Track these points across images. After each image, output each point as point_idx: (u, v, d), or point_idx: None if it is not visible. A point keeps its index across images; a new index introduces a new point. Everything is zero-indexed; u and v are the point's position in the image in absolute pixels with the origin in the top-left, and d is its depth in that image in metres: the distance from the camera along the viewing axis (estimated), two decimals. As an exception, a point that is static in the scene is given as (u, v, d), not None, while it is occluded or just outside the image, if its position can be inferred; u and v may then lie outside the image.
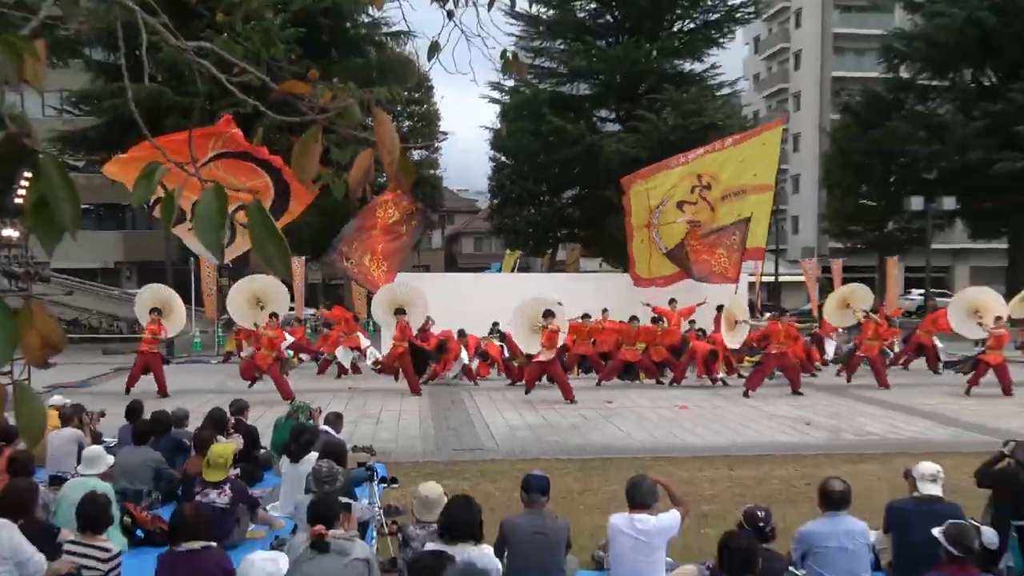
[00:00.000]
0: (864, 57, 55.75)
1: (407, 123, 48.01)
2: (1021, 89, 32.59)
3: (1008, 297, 20.41)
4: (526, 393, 16.87)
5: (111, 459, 7.69)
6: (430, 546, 5.31)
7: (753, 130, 23.32)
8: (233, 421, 9.94)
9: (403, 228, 20.42)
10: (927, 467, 6.32)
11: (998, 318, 17.77)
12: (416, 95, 46.42)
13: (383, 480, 9.10)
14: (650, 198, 22.27)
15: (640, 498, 5.93)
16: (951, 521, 5.32)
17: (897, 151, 35.89)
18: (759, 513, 5.87)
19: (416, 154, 46.94)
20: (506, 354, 19.57)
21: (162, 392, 16.74)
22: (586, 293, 21.57)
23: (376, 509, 7.65)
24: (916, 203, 33.89)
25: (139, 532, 7.56)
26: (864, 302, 20.14)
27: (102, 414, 11.32)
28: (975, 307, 18.53)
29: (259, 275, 18.77)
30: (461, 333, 19.48)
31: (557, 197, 40.08)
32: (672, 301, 20.74)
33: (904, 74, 39.05)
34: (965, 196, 35.78)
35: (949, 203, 33.73)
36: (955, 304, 19.33)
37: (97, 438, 10.12)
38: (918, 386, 18.61)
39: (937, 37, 34.56)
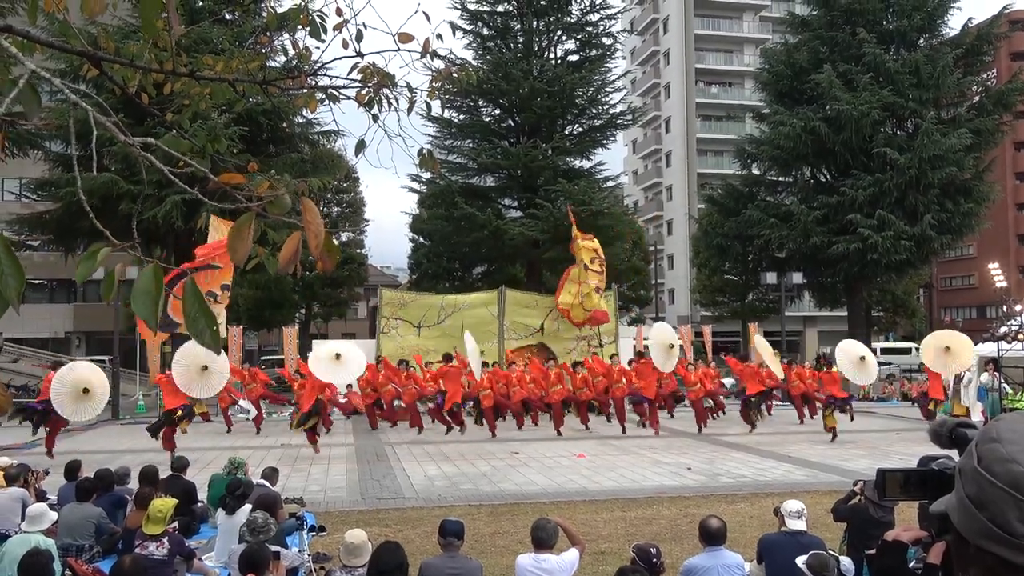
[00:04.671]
0: (722, 157, 58.14)
1: (336, 209, 47.72)
2: (851, 185, 34.13)
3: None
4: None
5: (54, 516, 7.21)
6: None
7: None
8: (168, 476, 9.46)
9: None
10: (793, 505, 6.36)
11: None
12: (344, 185, 46.31)
13: (312, 529, 8.73)
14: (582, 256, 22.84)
15: (544, 539, 5.83)
16: (812, 552, 5.36)
17: (753, 235, 37.01)
18: (651, 550, 5.82)
19: (344, 236, 46.67)
20: None
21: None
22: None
23: (306, 556, 7.34)
24: (770, 278, 35.22)
25: (80, 585, 7.05)
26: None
27: (46, 472, 10.64)
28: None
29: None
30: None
31: (468, 273, 40.36)
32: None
33: (755, 171, 40.05)
34: (810, 272, 37.31)
35: (797, 278, 35.13)
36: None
37: (41, 496, 9.47)
38: (779, 433, 19.05)
39: (780, 142, 35.94)
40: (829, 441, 17.37)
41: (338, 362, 16.30)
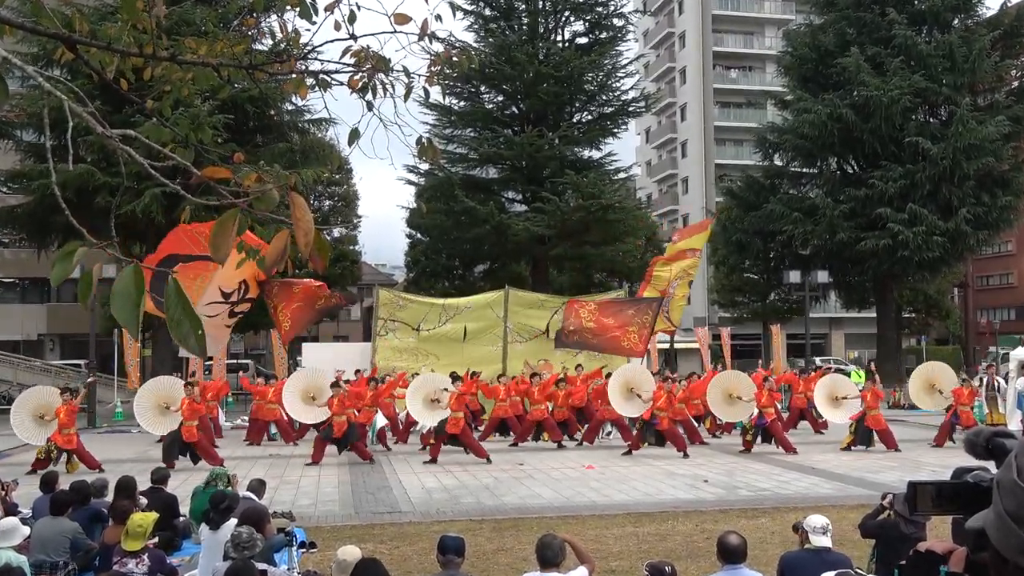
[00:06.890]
0: (742, 147, 58.12)
1: (328, 203, 47.77)
2: (881, 177, 34.07)
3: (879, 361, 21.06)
4: (429, 462, 16.43)
5: (27, 530, 7.22)
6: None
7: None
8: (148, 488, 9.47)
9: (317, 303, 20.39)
10: (816, 520, 6.31)
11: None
12: (336, 177, 46.30)
13: (302, 545, 8.74)
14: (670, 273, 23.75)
15: (550, 557, 5.83)
16: (838, 572, 5.36)
17: (775, 230, 36.94)
18: (665, 568, 5.80)
19: (336, 231, 46.73)
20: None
21: (93, 467, 15.13)
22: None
23: (295, 574, 7.34)
24: (794, 276, 35.12)
25: (54, 605, 7.08)
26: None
27: (16, 483, 10.64)
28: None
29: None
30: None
31: (469, 271, 40.30)
32: (578, 366, 21.08)
33: (778, 162, 40.07)
34: (836, 270, 37.26)
35: (823, 276, 35.05)
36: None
37: (12, 510, 9.47)
38: (803, 443, 18.98)
39: (804, 131, 35.92)
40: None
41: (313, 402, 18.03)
